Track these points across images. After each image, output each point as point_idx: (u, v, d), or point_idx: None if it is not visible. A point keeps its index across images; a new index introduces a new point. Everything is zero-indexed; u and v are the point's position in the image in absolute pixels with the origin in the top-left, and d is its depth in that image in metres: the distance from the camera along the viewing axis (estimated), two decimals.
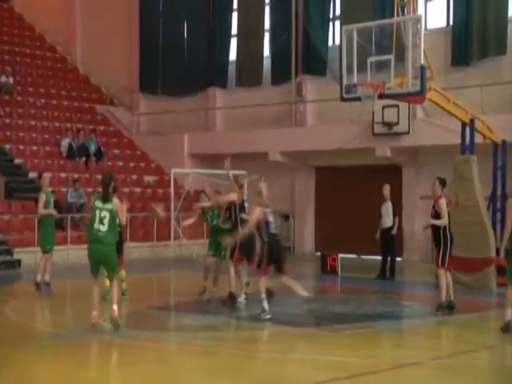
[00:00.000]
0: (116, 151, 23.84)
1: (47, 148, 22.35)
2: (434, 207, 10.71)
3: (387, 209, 14.53)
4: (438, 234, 10.61)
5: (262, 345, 8.44)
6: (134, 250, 18.80)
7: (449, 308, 10.49)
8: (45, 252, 12.55)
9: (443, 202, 10.62)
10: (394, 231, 14.57)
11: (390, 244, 14.63)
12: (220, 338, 9.07)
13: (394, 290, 13.52)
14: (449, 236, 10.59)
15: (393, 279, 14.58)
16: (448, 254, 10.57)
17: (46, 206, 12.57)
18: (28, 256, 16.84)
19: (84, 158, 22.17)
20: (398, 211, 15.10)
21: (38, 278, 12.30)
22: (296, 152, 21.15)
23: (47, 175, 14.02)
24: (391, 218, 14.49)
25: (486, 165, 14.35)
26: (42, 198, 12.55)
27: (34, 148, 22.05)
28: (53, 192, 17.12)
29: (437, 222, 10.56)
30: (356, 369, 7.32)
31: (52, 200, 12.92)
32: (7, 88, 23.65)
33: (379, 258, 14.96)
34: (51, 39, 28.80)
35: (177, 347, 8.53)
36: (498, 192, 14.93)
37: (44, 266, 12.44)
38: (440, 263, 10.60)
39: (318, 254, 16.53)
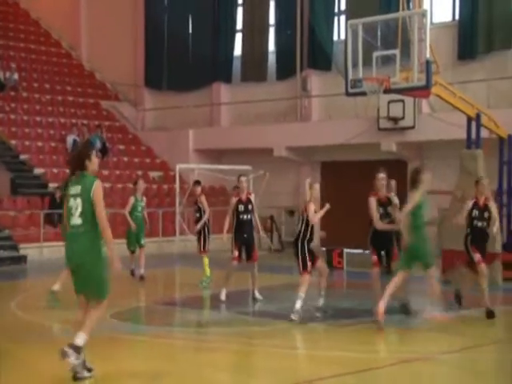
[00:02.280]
0: (121, 147, 23.87)
1: (52, 144, 22.41)
2: (482, 209, 10.02)
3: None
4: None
5: (266, 340, 8.43)
6: None
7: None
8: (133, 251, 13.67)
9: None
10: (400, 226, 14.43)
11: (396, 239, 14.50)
12: (225, 333, 9.07)
13: (403, 286, 13.45)
14: None
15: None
16: None
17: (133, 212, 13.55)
18: (34, 251, 16.91)
19: None
20: (403, 206, 14.95)
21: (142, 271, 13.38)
22: (301, 147, 21.13)
23: (142, 183, 14.21)
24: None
25: (491, 159, 14.30)
26: (130, 201, 13.60)
27: (40, 144, 22.11)
28: (58, 188, 17.22)
29: (494, 229, 10.11)
30: (360, 364, 7.31)
31: (140, 205, 13.74)
32: (12, 84, 23.69)
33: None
34: (56, 35, 28.83)
35: (183, 343, 8.54)
36: (504, 187, 14.88)
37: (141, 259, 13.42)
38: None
39: (324, 249, 16.49)
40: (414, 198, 9.03)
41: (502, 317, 9.68)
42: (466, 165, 13.67)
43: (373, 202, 9.81)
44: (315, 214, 9.84)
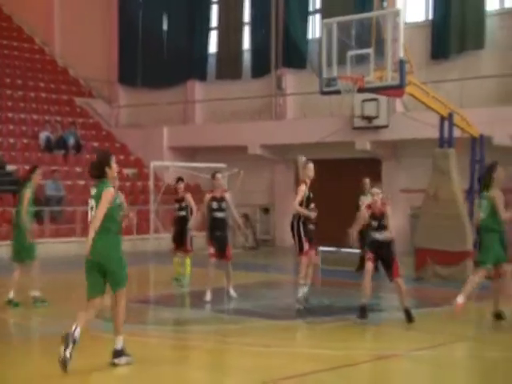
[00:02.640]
0: (95, 144, 23.68)
1: (25, 140, 22.16)
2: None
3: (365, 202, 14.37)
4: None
5: (241, 338, 8.44)
6: None
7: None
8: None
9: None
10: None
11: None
12: (200, 331, 9.07)
13: (374, 283, 13.56)
14: None
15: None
16: None
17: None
18: (5, 250, 16.69)
19: (63, 151, 22.01)
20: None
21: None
22: (276, 145, 21.17)
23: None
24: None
25: (464, 158, 14.47)
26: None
27: (12, 141, 21.85)
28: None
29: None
30: (335, 361, 7.36)
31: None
32: None
33: (358, 251, 15.00)
34: (29, 30, 28.49)
35: (158, 341, 8.51)
36: (476, 185, 15.06)
37: None
38: None
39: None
40: (499, 197, 8.80)
41: (473, 314, 9.80)
42: (438, 163, 13.82)
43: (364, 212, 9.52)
44: (296, 201, 9.78)
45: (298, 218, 9.94)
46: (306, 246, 9.88)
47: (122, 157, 23.65)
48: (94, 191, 7.05)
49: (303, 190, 9.91)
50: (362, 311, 9.18)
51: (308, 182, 10.04)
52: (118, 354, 6.92)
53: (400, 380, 7.07)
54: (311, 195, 10.02)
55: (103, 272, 6.94)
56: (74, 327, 6.72)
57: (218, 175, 11.18)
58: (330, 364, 7.22)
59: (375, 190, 9.48)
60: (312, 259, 10.31)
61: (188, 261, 12.59)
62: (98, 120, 25.35)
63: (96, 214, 6.86)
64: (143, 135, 23.71)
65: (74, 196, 20.09)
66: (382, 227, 9.23)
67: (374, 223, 9.27)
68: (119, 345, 6.95)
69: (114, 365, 6.88)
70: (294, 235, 9.94)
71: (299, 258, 10.04)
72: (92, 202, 7.01)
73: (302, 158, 10.36)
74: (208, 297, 10.75)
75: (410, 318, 9.16)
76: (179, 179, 13.02)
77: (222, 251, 10.89)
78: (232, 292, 11.03)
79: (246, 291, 11.63)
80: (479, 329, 9.33)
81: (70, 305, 9.84)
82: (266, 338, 8.54)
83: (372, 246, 9.34)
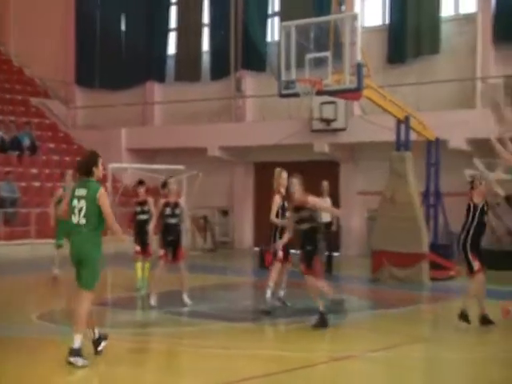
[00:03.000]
0: (51, 145, 23.31)
1: None
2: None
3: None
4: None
5: (198, 340, 8.39)
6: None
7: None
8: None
9: None
10: (334, 227, 14.56)
11: (328, 239, 14.64)
12: (156, 333, 8.99)
13: (332, 285, 13.63)
14: None
15: (330, 274, 14.73)
16: None
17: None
18: None
19: (17, 152, 21.60)
20: (336, 207, 15.11)
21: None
22: (235, 147, 21.15)
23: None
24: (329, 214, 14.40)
25: (420, 161, 14.66)
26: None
27: None
28: None
29: None
30: (293, 362, 7.37)
31: None
32: None
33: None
34: None
35: (114, 343, 8.39)
36: (432, 188, 15.28)
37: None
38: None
39: (257, 249, 16.54)
40: None
41: (429, 315, 9.93)
42: (395, 166, 13.97)
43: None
44: (272, 213, 9.90)
45: (274, 228, 10.04)
46: (279, 254, 10.05)
47: (79, 158, 23.31)
48: (82, 191, 7.12)
49: (278, 201, 10.03)
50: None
51: (283, 191, 10.10)
52: (74, 352, 6.88)
53: (356, 381, 7.10)
54: (286, 204, 10.04)
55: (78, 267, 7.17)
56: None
57: (171, 180, 10.85)
58: (289, 365, 7.22)
59: (294, 180, 9.10)
60: (286, 266, 10.37)
61: (148, 265, 12.39)
62: (54, 121, 24.96)
63: (107, 211, 7.05)
64: (101, 137, 23.40)
65: (29, 198, 19.74)
66: (304, 220, 9.08)
67: (296, 216, 9.15)
68: (76, 344, 6.90)
69: (70, 363, 6.82)
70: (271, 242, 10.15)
71: (274, 263, 10.15)
72: (82, 203, 7.05)
73: (277, 169, 10.37)
74: (153, 301, 10.47)
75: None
76: (140, 182, 12.69)
77: (173, 253, 10.60)
78: (186, 299, 10.63)
79: (203, 293, 11.58)
80: (435, 330, 9.43)
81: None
82: (223, 340, 8.51)
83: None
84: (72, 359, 6.85)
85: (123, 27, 24.71)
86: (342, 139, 19.02)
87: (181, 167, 19.49)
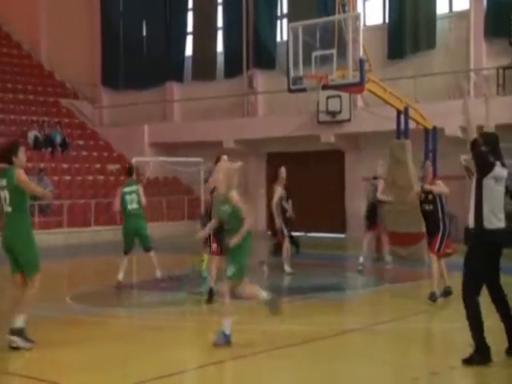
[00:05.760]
0: (80, 142, 23.37)
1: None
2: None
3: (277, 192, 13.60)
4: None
5: (213, 317, 8.34)
6: (99, 233, 18.65)
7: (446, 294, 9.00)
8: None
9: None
10: (289, 214, 12.87)
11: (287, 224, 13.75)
12: (177, 312, 8.95)
13: (339, 264, 13.61)
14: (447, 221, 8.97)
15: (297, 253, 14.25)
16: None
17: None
18: None
19: (50, 149, 21.68)
20: (290, 195, 14.07)
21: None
22: (248, 140, 21.08)
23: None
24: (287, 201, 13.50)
25: (418, 148, 14.50)
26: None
27: (2, 140, 21.38)
28: None
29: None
30: (305, 336, 7.30)
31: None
32: None
33: (325, 235, 14.95)
34: (17, 38, 27.97)
35: (136, 322, 8.38)
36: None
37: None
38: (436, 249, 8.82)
39: (269, 233, 16.48)
40: None
41: (429, 290, 9.80)
42: (395, 153, 13.83)
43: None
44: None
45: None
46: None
47: (105, 153, 23.40)
48: (2, 181, 6.62)
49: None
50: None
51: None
52: (14, 332, 6.49)
53: (363, 351, 7.02)
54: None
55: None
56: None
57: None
58: (302, 338, 7.15)
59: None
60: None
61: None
62: (82, 120, 25.01)
63: (30, 188, 6.62)
64: (125, 133, 23.45)
65: (61, 190, 19.81)
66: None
67: None
68: (18, 323, 6.50)
69: (10, 342, 6.46)
70: None
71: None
72: (5, 193, 6.58)
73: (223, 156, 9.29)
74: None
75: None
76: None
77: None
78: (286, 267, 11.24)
79: (219, 275, 11.50)
80: (431, 304, 9.32)
81: None
82: (242, 316, 8.44)
83: None
84: (12, 338, 6.47)
85: (144, 32, 24.74)
86: (347, 130, 18.88)
87: (199, 159, 19.50)
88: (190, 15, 23.66)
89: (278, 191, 11.41)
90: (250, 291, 6.97)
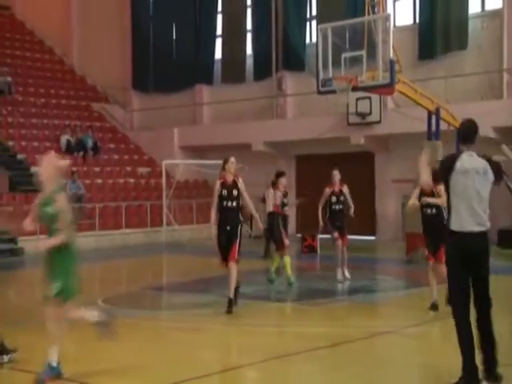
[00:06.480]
0: (111, 145, 23.63)
1: (47, 144, 22.08)
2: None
3: (269, 195, 13.41)
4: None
5: (248, 319, 8.37)
6: (130, 235, 18.88)
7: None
8: None
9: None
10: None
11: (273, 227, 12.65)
12: (209, 314, 9.00)
13: (369, 266, 13.52)
14: None
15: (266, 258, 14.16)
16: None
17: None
18: (30, 244, 16.69)
19: (82, 153, 21.99)
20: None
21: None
22: (277, 142, 21.07)
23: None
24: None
25: (449, 149, 14.31)
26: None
27: (35, 144, 21.82)
28: None
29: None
30: (334, 338, 7.29)
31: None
32: (4, 86, 23.16)
33: (355, 237, 14.86)
34: (50, 43, 28.43)
35: (167, 324, 8.46)
36: None
37: None
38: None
39: (299, 235, 16.49)
40: None
41: None
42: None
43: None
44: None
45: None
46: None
47: (136, 156, 23.64)
48: None
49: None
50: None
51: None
52: None
53: (394, 354, 6.97)
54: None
55: None
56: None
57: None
58: (331, 341, 7.14)
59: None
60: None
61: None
62: (114, 124, 25.30)
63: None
64: (155, 136, 23.65)
65: (93, 194, 20.07)
66: None
67: None
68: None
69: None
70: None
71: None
72: None
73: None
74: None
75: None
76: (281, 173, 12.25)
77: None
78: (346, 273, 11.17)
79: (250, 277, 11.55)
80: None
81: None
82: (267, 319, 8.47)
83: None
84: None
85: (174, 36, 24.87)
86: (377, 131, 18.75)
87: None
88: (219, 18, 23.76)
89: (326, 194, 11.81)
90: (76, 314, 6.11)
